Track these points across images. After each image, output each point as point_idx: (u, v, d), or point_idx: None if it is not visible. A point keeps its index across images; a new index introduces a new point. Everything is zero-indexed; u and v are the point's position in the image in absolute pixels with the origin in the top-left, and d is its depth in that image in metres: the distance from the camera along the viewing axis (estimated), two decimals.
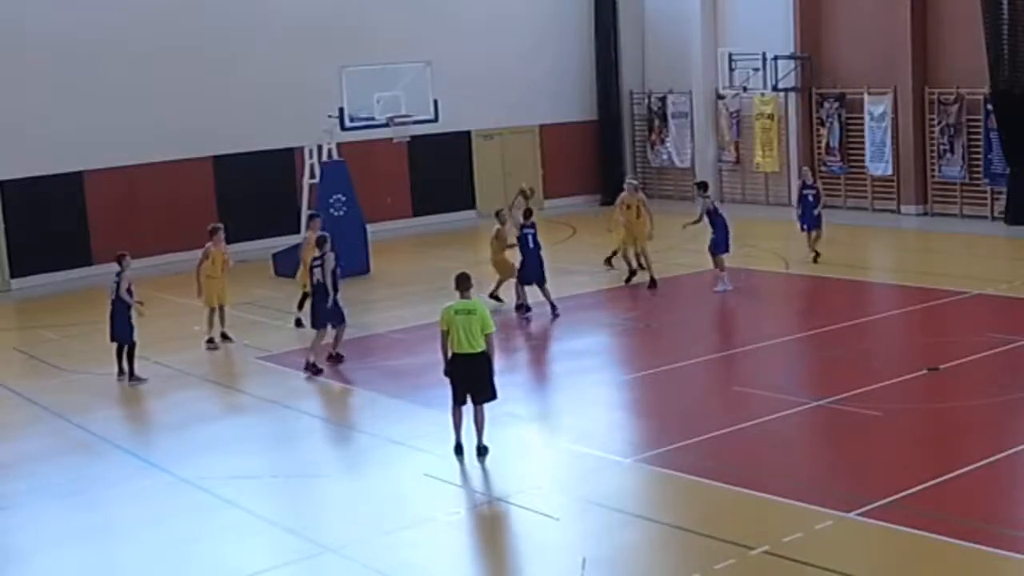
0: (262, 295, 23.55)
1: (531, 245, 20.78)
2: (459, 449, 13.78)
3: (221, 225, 20.48)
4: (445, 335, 13.63)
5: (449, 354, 13.67)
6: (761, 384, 16.15)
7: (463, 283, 13.93)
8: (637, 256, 22.90)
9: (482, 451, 13.70)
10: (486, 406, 13.71)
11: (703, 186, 22.72)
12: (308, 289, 19.23)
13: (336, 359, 18.31)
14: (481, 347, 13.51)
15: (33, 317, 24.41)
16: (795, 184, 31.90)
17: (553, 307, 20.68)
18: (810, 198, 24.28)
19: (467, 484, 13.31)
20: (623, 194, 23.26)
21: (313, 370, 17.81)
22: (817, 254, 24.02)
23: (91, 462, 14.82)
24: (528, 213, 21.18)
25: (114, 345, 18.30)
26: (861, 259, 24.77)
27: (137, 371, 18.14)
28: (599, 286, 22.64)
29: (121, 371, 18.19)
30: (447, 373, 13.79)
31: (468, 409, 13.77)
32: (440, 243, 29.27)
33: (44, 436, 15.94)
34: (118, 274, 18.16)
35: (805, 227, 24.37)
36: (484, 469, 13.53)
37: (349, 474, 14.01)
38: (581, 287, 22.55)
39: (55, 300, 25.35)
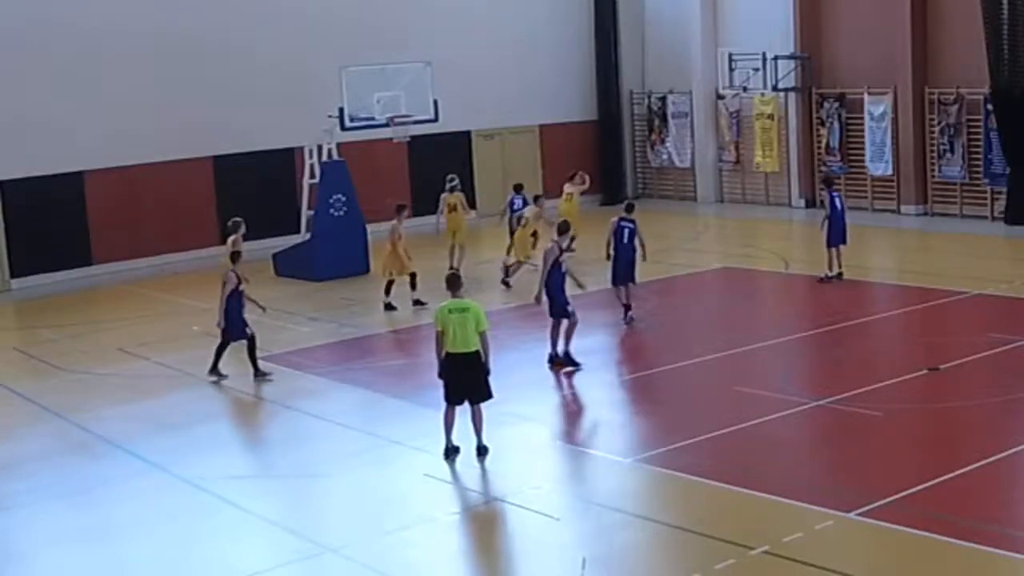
0: (262, 295, 23.48)
1: (625, 240, 19.83)
2: (448, 452, 13.72)
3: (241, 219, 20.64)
4: (441, 335, 13.60)
5: (443, 354, 13.62)
6: (761, 384, 16.14)
7: (453, 284, 13.96)
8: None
9: (481, 451, 13.69)
10: (483, 405, 13.70)
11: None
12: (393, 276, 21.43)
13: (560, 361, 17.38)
14: (476, 346, 13.48)
15: (33, 317, 24.40)
16: (795, 185, 32.02)
17: (628, 308, 19.89)
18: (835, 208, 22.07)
19: (466, 484, 13.32)
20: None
21: (569, 363, 17.30)
22: (840, 273, 22.14)
23: (91, 462, 14.83)
24: (630, 208, 20.33)
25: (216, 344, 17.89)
26: (861, 259, 24.73)
27: (220, 367, 17.76)
28: (598, 285, 22.60)
29: (214, 369, 17.75)
30: (441, 375, 13.77)
31: (461, 411, 13.75)
32: (440, 243, 29.23)
33: (44, 436, 15.93)
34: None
35: (827, 243, 22.16)
36: (483, 469, 13.52)
37: (349, 474, 13.99)
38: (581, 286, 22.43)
39: (55, 300, 25.32)
